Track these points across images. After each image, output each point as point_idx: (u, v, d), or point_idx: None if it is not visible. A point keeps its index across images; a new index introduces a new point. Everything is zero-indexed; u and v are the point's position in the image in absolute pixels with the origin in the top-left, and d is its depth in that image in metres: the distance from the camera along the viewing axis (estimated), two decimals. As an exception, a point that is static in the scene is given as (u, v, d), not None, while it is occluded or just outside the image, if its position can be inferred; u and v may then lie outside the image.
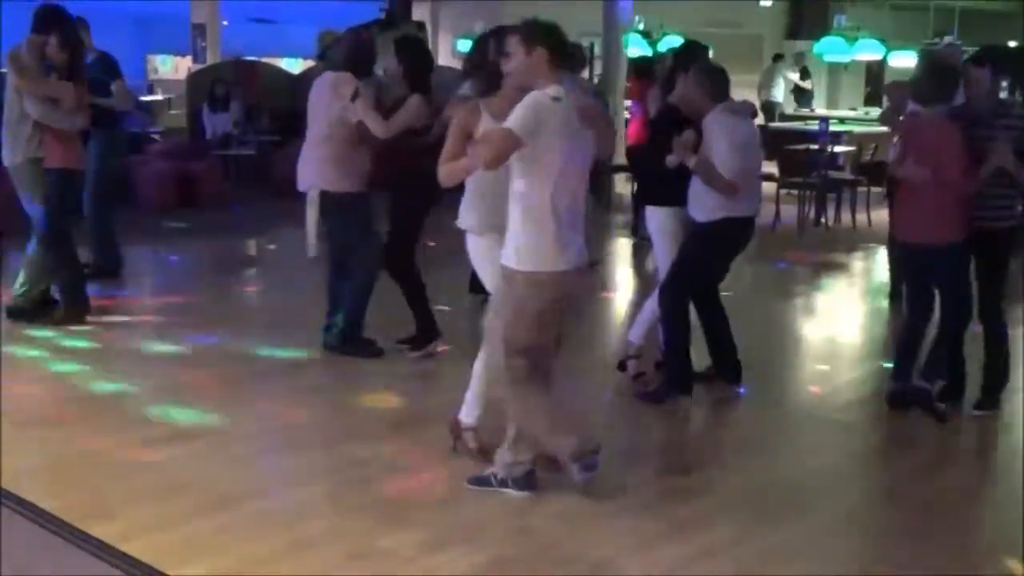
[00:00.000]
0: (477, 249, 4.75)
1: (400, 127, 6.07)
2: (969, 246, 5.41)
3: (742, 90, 14.11)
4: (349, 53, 6.27)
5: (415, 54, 6.32)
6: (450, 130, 4.47)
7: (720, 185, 5.39)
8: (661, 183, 5.73)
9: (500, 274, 4.36)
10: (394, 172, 6.23)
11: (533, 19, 4.28)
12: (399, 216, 6.37)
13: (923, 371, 5.67)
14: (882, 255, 10.51)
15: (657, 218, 5.83)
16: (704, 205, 5.55)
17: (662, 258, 5.85)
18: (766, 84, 17.42)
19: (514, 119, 4.07)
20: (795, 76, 18.13)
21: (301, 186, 6.30)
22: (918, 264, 5.55)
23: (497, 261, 4.37)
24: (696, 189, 5.54)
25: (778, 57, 18.00)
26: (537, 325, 4.27)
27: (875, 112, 15.06)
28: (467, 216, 4.73)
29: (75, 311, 6.94)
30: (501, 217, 4.34)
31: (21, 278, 6.98)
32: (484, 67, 4.69)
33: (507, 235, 4.27)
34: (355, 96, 6.00)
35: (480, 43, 5.32)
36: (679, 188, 5.61)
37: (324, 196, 6.21)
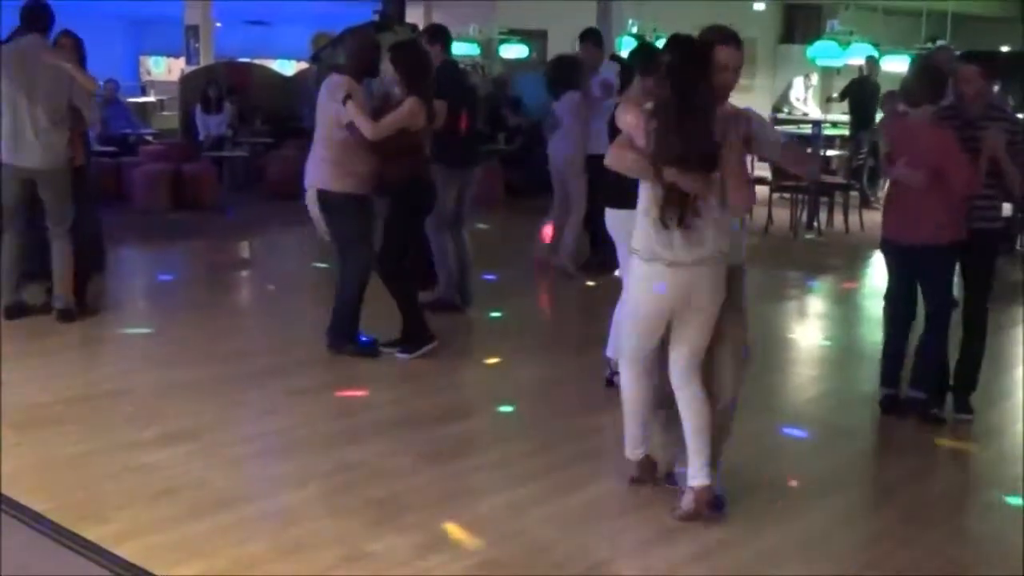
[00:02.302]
0: (722, 279, 4.20)
1: (389, 129, 6.08)
2: (958, 248, 5.40)
3: (735, 93, 14.18)
4: (353, 55, 6.26)
5: (410, 58, 6.32)
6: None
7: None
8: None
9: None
10: (390, 177, 6.24)
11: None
12: (393, 221, 6.36)
13: (912, 381, 5.64)
14: (877, 258, 10.56)
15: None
16: None
17: None
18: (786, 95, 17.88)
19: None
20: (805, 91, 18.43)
21: (305, 183, 6.38)
22: (908, 265, 5.52)
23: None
24: None
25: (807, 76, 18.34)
26: None
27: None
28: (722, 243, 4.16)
29: (69, 311, 6.92)
30: None
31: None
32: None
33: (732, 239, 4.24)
34: (347, 98, 6.03)
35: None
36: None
37: (320, 195, 6.26)
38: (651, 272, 4.12)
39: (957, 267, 5.54)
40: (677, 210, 4.03)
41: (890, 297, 5.76)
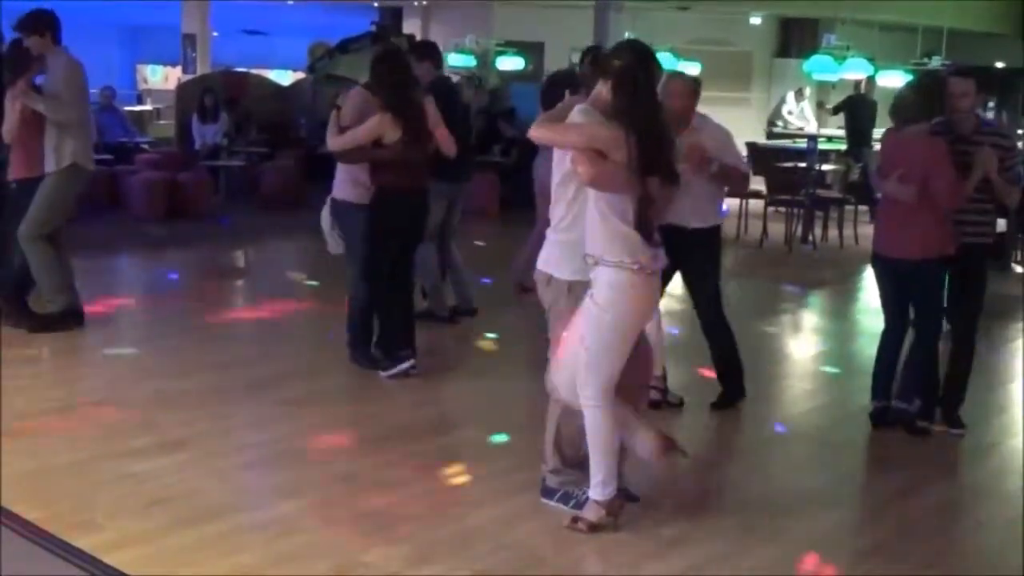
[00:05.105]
0: None
1: (346, 144, 6.03)
2: (948, 262, 5.43)
3: (731, 107, 14.22)
4: (373, 66, 6.19)
5: (382, 72, 6.07)
6: None
7: (744, 176, 5.76)
8: None
9: None
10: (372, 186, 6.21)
11: None
12: (364, 234, 6.23)
13: (899, 393, 5.68)
14: (872, 272, 10.56)
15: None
16: (714, 209, 5.72)
17: None
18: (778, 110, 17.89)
19: None
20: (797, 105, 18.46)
21: None
22: (898, 279, 5.55)
23: None
24: (703, 195, 5.52)
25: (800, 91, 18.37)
26: None
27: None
28: None
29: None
30: None
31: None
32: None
33: None
34: (337, 108, 6.15)
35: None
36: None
37: (332, 202, 6.41)
38: (639, 281, 4.00)
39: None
40: (654, 219, 4.02)
41: (883, 311, 5.76)
